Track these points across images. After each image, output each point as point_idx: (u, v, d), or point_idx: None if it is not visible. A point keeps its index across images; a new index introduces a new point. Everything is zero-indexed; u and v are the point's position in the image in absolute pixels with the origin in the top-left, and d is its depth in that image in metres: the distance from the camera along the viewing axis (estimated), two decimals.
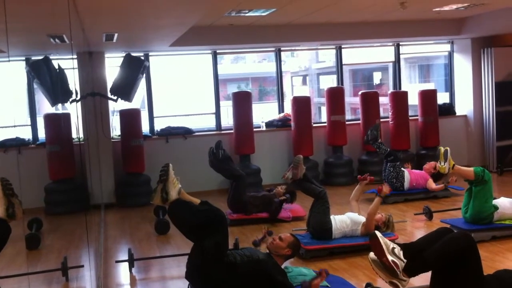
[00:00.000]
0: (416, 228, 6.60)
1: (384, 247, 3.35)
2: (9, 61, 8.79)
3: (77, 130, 8.51)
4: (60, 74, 6.72)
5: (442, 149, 5.87)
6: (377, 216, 5.89)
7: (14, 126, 8.73)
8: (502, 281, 3.57)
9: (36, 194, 8.26)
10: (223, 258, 4.16)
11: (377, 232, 3.48)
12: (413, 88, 10.79)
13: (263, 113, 10.72)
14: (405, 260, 3.37)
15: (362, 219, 5.77)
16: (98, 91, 8.34)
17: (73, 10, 4.74)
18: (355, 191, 6.26)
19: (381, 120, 9.83)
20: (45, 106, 8.78)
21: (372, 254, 3.46)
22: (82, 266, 5.42)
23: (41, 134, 8.91)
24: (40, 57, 7.58)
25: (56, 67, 6.71)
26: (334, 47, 10.27)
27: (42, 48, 7.54)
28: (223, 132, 9.69)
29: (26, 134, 9.05)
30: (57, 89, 6.63)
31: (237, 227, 6.78)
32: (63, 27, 4.90)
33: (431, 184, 7.93)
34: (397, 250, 3.40)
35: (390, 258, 3.33)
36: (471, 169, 5.73)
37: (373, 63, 13.68)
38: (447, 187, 7.89)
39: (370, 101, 9.88)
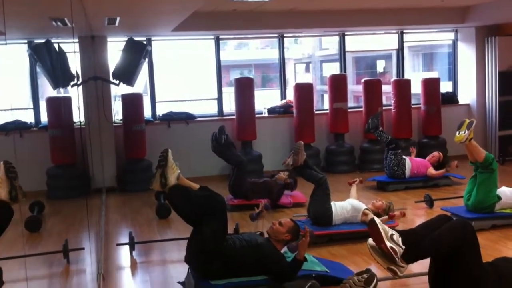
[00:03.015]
0: (416, 216, 6.61)
1: (382, 233, 3.35)
2: (6, 44, 8.74)
3: (78, 114, 8.52)
4: (60, 56, 6.72)
5: (467, 120, 5.77)
6: (378, 204, 5.91)
7: (11, 109, 8.69)
8: (500, 268, 3.58)
9: (38, 177, 8.28)
10: (222, 242, 4.19)
11: (376, 219, 3.49)
12: (416, 77, 10.75)
13: (266, 99, 10.70)
14: (403, 247, 3.37)
15: (363, 206, 5.78)
16: (100, 75, 8.34)
17: None
18: (351, 192, 6.29)
19: (384, 108, 9.81)
20: (48, 90, 8.78)
21: (370, 241, 3.47)
22: (83, 248, 5.45)
23: (44, 118, 8.91)
24: (43, 41, 7.58)
25: (57, 49, 6.70)
26: (337, 34, 10.22)
27: (44, 31, 7.53)
28: (225, 118, 9.68)
29: (28, 117, 9.05)
30: (58, 72, 6.63)
31: (238, 213, 6.80)
32: (65, 10, 4.89)
33: (431, 171, 7.94)
34: (396, 236, 3.40)
35: (388, 244, 3.34)
36: (484, 151, 5.70)
37: (376, 50, 13.61)
38: (447, 171, 7.90)
39: (372, 89, 9.85)
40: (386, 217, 5.60)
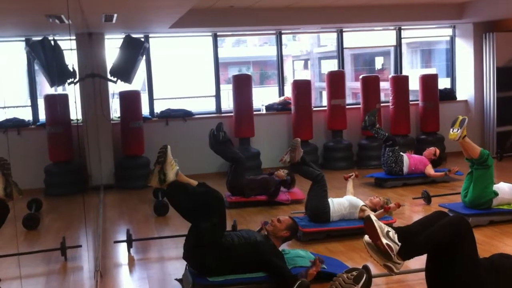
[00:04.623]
0: (414, 212, 6.61)
1: (378, 230, 3.35)
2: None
3: (76, 112, 8.51)
4: (57, 54, 6.68)
5: (460, 117, 5.75)
6: (375, 200, 5.91)
7: (5, 107, 8.67)
8: (496, 264, 3.59)
9: (36, 175, 8.28)
10: (220, 239, 4.20)
11: (371, 216, 3.48)
12: (414, 73, 10.75)
13: (264, 96, 10.69)
14: (399, 244, 3.38)
15: (361, 202, 5.79)
16: (97, 73, 8.32)
17: None
18: (348, 188, 6.28)
19: (382, 104, 9.81)
20: (46, 87, 8.76)
21: (367, 237, 3.47)
22: (80, 246, 5.46)
23: (42, 115, 8.90)
24: (40, 38, 7.56)
25: (53, 44, 6.67)
26: (335, 30, 10.21)
27: (41, 28, 7.50)
28: (223, 115, 9.67)
29: (26, 115, 9.03)
30: (55, 69, 6.61)
31: (236, 210, 6.81)
32: (61, 7, 4.87)
33: (430, 170, 7.92)
34: (392, 233, 3.40)
35: (384, 241, 3.34)
36: (478, 147, 5.70)
37: (374, 47, 13.61)
38: (447, 175, 7.88)
39: (370, 85, 9.84)
40: (381, 210, 5.59)
